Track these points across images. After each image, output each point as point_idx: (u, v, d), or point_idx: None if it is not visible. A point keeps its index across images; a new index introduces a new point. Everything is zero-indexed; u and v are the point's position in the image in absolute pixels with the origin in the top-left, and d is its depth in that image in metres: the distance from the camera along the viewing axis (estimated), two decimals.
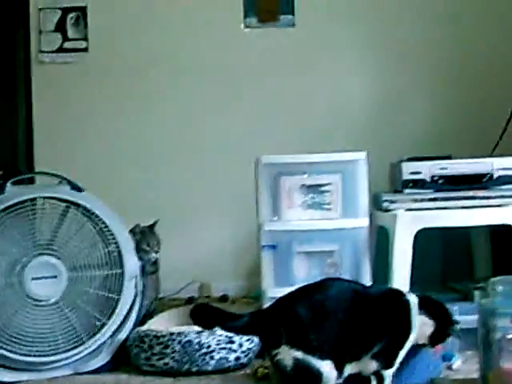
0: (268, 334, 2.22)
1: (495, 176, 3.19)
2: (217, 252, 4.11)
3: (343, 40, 4.14)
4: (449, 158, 3.31)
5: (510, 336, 1.30)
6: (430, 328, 2.33)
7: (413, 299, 2.34)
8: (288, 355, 2.17)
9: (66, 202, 2.92)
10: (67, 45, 4.09)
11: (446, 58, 4.08)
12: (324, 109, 4.13)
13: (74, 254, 2.89)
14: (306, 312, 2.20)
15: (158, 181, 4.11)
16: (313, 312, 2.19)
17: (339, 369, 2.20)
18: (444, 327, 2.34)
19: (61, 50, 4.08)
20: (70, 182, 2.99)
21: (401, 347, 2.28)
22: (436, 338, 2.34)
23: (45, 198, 2.90)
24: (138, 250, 3.15)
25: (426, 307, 2.34)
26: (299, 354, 2.16)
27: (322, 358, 2.17)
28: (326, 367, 2.17)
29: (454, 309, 2.94)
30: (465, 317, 2.81)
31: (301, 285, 2.34)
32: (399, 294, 2.37)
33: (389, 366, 2.27)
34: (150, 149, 4.12)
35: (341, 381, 2.22)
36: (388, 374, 2.26)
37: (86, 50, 4.10)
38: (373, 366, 2.25)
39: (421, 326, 2.30)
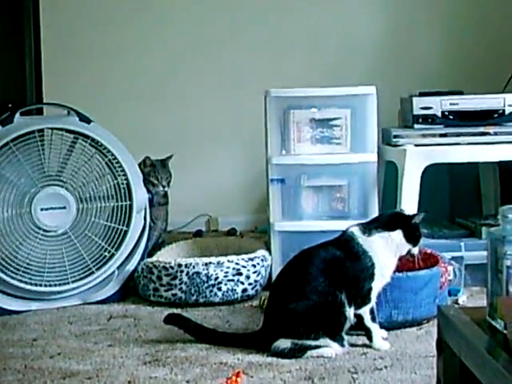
0: (266, 338, 2.29)
1: (507, 112, 3.15)
2: (225, 186, 4.10)
3: None
4: (460, 93, 3.26)
5: None
6: (397, 240, 2.32)
7: (351, 229, 2.35)
8: (285, 343, 2.25)
9: (74, 133, 2.90)
10: None
11: None
12: (333, 41, 4.08)
13: (83, 185, 2.90)
14: (294, 311, 2.25)
15: (167, 115, 4.08)
16: (299, 309, 2.25)
17: (338, 339, 2.26)
18: (409, 227, 2.34)
19: None
20: (78, 113, 2.96)
21: (361, 279, 2.28)
22: (411, 240, 2.34)
23: (53, 129, 2.89)
24: (146, 182, 3.16)
25: (382, 225, 2.34)
26: (296, 341, 2.24)
27: (317, 338, 2.24)
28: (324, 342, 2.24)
29: (461, 244, 2.97)
30: (472, 253, 2.84)
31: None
32: (340, 235, 2.38)
33: (361, 304, 2.28)
34: (160, 83, 4.08)
35: (346, 346, 2.28)
36: (364, 311, 2.29)
37: None
38: (352, 312, 2.28)
39: (383, 246, 2.31)
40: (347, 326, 2.29)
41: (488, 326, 1.36)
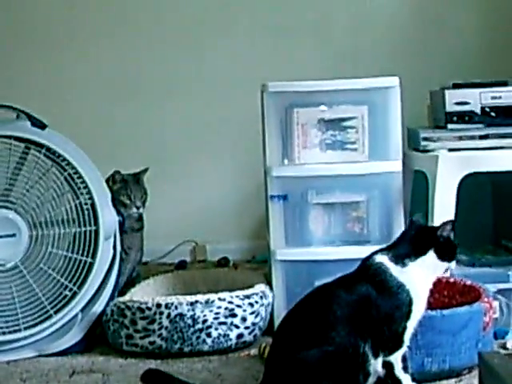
0: None
1: None
2: (214, 205, 4.13)
3: None
4: (504, 84, 3.27)
5: None
6: (432, 262, 2.33)
7: (379, 259, 2.34)
8: None
9: (26, 142, 2.91)
10: None
11: None
12: (345, 24, 4.12)
13: (37, 206, 2.90)
14: (306, 357, 2.23)
15: (142, 118, 4.11)
16: (308, 360, 2.22)
17: None
18: (439, 242, 2.35)
19: None
20: (30, 117, 2.97)
21: (396, 318, 2.27)
22: (445, 257, 2.35)
23: None
24: (116, 202, 3.16)
25: (413, 251, 2.34)
26: None
27: None
28: None
29: (509, 274, 2.97)
30: None
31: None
32: (364, 266, 2.37)
33: (394, 348, 2.27)
34: (134, 77, 4.11)
35: None
36: (395, 357, 2.27)
37: None
38: (379, 363, 2.27)
39: (420, 275, 2.31)
40: (369, 382, 2.28)
41: None
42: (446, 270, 2.39)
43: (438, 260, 2.34)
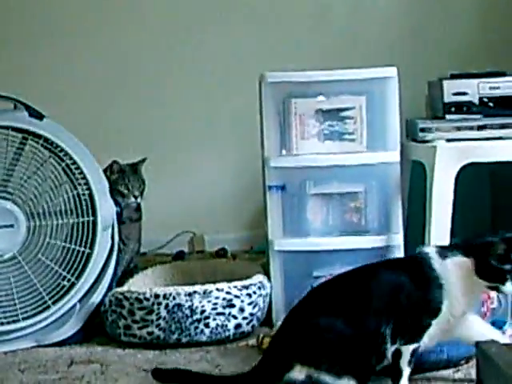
0: (279, 362, 2.24)
1: None
2: (212, 196, 4.13)
3: None
4: (502, 74, 3.27)
5: None
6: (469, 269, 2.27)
7: (427, 249, 2.32)
8: (300, 373, 2.20)
9: (23, 132, 2.91)
10: None
11: None
12: (343, 12, 4.11)
13: (34, 197, 2.90)
14: (319, 327, 2.22)
15: (141, 108, 4.10)
16: (325, 327, 2.22)
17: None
18: (481, 258, 2.27)
19: None
20: (27, 107, 2.97)
21: (423, 311, 2.25)
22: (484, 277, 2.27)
23: None
24: (114, 192, 3.17)
25: (459, 247, 2.30)
26: (312, 372, 2.19)
27: (339, 376, 2.19)
28: None
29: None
30: None
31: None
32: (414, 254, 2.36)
33: (410, 340, 2.26)
34: (130, 68, 4.11)
35: None
36: (407, 348, 2.25)
37: None
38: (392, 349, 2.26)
39: (458, 274, 2.25)
40: (381, 366, 2.27)
41: None
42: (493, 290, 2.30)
43: (474, 273, 2.26)
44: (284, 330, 2.32)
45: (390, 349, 2.22)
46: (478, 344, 1.52)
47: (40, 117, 2.96)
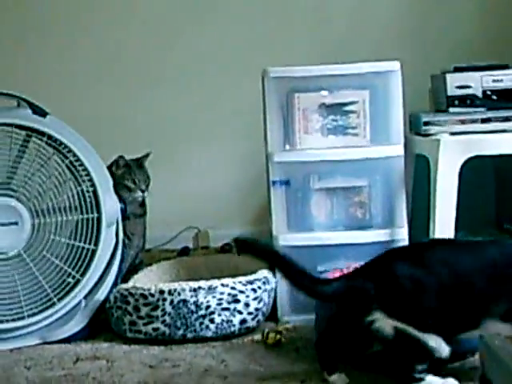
0: (358, 297, 2.24)
1: None
2: (216, 192, 4.12)
3: None
4: (505, 67, 3.28)
5: None
6: None
7: None
8: (386, 324, 2.19)
9: (27, 130, 2.91)
10: None
11: None
12: (346, 11, 4.10)
13: (39, 194, 2.90)
14: (406, 274, 2.20)
15: (143, 103, 4.10)
16: (415, 276, 2.20)
17: (450, 342, 2.18)
18: None
19: None
20: (31, 105, 2.97)
21: None
22: None
23: None
24: (120, 187, 3.18)
25: None
26: (398, 324, 2.18)
27: (425, 331, 2.17)
28: (433, 342, 2.16)
29: None
30: None
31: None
32: None
33: None
34: (134, 63, 4.10)
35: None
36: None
37: None
38: (504, 328, 2.14)
39: None
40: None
41: None
42: None
43: None
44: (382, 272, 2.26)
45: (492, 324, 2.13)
46: (481, 337, 1.52)
47: (43, 114, 2.97)
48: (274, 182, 3.05)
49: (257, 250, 2.38)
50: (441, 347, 2.17)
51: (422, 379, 2.23)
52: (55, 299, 2.88)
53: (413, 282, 2.19)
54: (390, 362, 2.26)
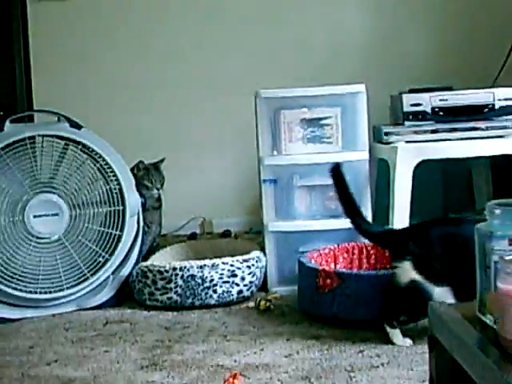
0: (396, 245, 2.25)
1: (496, 107, 3.17)
2: (218, 188, 4.10)
3: None
4: (450, 89, 3.28)
5: (507, 257, 1.29)
6: None
7: None
8: (408, 274, 2.18)
9: (65, 140, 2.91)
10: None
11: None
12: (322, 41, 4.06)
13: (75, 191, 2.90)
14: (439, 238, 2.19)
15: (158, 118, 4.07)
16: (447, 241, 2.17)
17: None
18: None
19: None
20: (68, 120, 2.97)
21: None
22: None
23: (43, 135, 2.89)
24: (141, 186, 3.18)
25: None
26: (418, 277, 2.16)
27: (440, 285, 2.15)
28: (441, 294, 2.13)
29: None
30: None
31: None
32: None
33: None
34: (150, 86, 4.07)
35: None
36: None
37: None
38: None
39: None
40: None
41: (478, 321, 1.37)
42: None
43: None
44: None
45: None
46: (429, 303, 1.52)
47: (79, 127, 2.97)
48: (264, 181, 3.04)
49: (339, 182, 2.41)
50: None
51: (395, 327, 2.23)
52: (88, 274, 2.89)
53: (442, 246, 2.17)
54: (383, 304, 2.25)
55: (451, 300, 2.11)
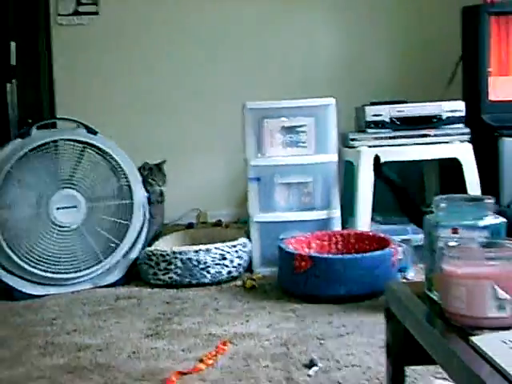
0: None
1: (444, 117, 3.19)
2: (212, 185, 4.08)
3: (316, 4, 4.06)
4: (404, 102, 3.29)
5: (450, 244, 1.31)
6: None
7: None
8: None
9: (83, 144, 2.90)
10: (81, 8, 4.00)
11: (402, 21, 4.02)
12: (300, 62, 4.05)
13: (91, 187, 2.89)
14: None
15: (161, 126, 4.02)
16: None
17: None
18: None
19: (76, 13, 3.99)
20: (86, 126, 2.97)
21: None
22: None
23: (65, 140, 2.88)
24: (146, 183, 3.17)
25: None
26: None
27: None
28: None
29: (408, 229, 2.99)
30: (417, 235, 2.86)
31: None
32: None
33: None
34: (155, 100, 4.04)
35: None
36: None
37: (96, 13, 4.00)
38: None
39: None
40: None
41: (427, 297, 1.38)
42: None
43: None
44: None
45: None
46: (386, 282, 1.53)
47: (94, 133, 2.96)
48: (250, 179, 3.04)
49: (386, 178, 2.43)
50: None
51: None
52: (102, 258, 2.88)
53: None
54: None
55: None
